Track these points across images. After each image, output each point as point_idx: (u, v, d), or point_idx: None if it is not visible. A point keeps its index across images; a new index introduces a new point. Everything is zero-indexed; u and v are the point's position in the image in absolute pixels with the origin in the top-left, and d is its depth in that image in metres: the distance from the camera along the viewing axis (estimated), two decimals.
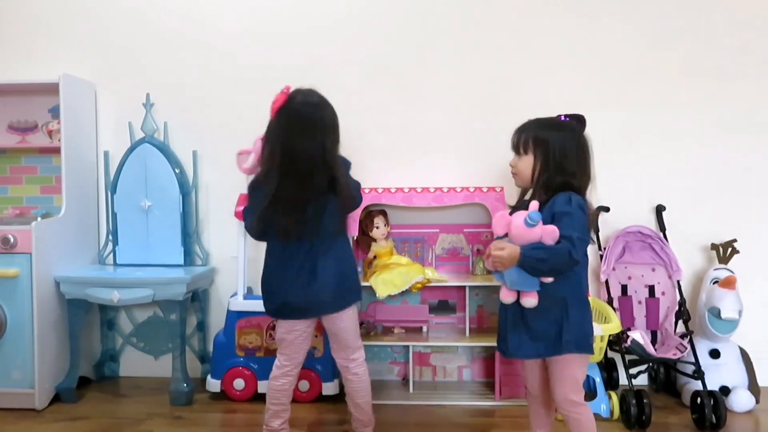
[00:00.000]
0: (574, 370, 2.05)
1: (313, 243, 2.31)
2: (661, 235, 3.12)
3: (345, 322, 2.42)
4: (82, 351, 3.15)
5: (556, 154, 2.04)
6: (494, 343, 2.95)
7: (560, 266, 1.96)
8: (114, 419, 2.87)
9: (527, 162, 2.08)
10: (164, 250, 3.25)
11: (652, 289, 3.12)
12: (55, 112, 3.30)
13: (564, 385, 2.05)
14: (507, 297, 2.04)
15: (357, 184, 2.47)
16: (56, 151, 3.17)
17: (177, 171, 3.24)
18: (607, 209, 3.07)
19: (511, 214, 2.04)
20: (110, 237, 3.32)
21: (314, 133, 2.26)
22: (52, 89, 3.09)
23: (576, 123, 2.12)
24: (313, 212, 2.28)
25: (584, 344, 2.05)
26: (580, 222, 1.97)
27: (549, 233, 1.91)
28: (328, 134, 2.31)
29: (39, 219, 2.99)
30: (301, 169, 2.25)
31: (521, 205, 2.13)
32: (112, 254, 3.32)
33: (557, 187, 2.02)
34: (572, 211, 1.97)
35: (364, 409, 2.49)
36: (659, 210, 3.18)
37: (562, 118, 2.14)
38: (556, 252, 1.92)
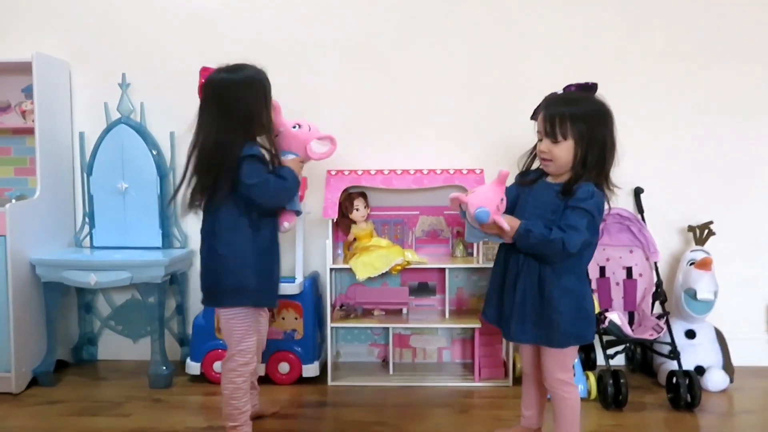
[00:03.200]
0: (565, 353, 2.08)
1: None
2: (639, 217, 3.15)
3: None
4: (60, 334, 3.13)
5: (597, 133, 1.98)
6: (474, 325, 3.00)
7: (550, 255, 1.96)
8: (92, 402, 2.85)
9: (566, 148, 1.98)
10: (142, 233, 3.22)
11: (629, 270, 3.15)
12: (28, 92, 3.23)
13: (554, 364, 2.09)
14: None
15: None
16: (30, 131, 3.12)
17: (154, 152, 3.20)
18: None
19: (519, 177, 2.14)
20: (87, 219, 3.27)
21: None
22: (25, 68, 3.02)
23: (593, 92, 2.07)
24: None
25: (583, 337, 2.06)
26: (592, 223, 1.95)
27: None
28: None
29: (13, 201, 2.94)
30: None
31: (535, 178, 2.11)
32: (88, 237, 3.28)
33: (600, 167, 1.99)
34: (588, 208, 1.94)
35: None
36: (637, 192, 3.20)
37: (572, 88, 2.10)
38: (551, 241, 1.92)
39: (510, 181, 2.12)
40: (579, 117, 1.98)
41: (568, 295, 2.01)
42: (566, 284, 2.01)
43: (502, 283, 2.11)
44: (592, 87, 2.10)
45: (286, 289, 2.92)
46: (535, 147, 2.15)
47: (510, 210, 2.10)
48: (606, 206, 2.04)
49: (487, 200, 1.93)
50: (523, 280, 2.04)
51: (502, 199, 1.97)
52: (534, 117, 2.15)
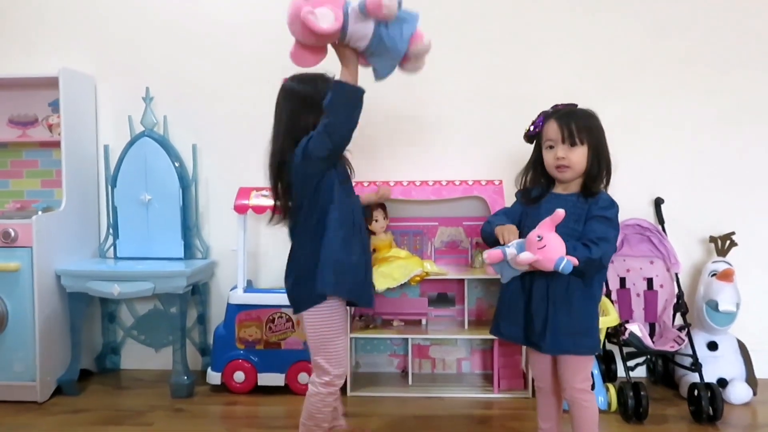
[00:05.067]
0: (585, 362, 2.11)
1: None
2: (660, 227, 3.13)
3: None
4: (84, 344, 3.17)
5: (602, 142, 2.07)
6: (493, 336, 2.98)
7: (591, 271, 2.00)
8: (115, 411, 2.89)
9: (581, 153, 2.04)
10: (164, 244, 3.26)
11: (650, 281, 3.13)
12: (55, 106, 3.30)
13: (575, 374, 2.10)
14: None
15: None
16: (56, 144, 3.18)
17: (177, 164, 3.25)
18: None
19: (522, 196, 2.15)
20: (111, 230, 3.33)
21: None
22: (51, 83, 3.09)
23: None
24: None
25: (599, 345, 2.14)
26: (615, 232, 2.01)
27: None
28: None
29: (40, 213, 3.00)
30: None
31: (539, 194, 2.14)
32: (112, 248, 3.33)
33: (601, 178, 2.06)
34: (612, 218, 2.01)
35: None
36: (658, 203, 3.19)
37: (560, 106, 2.15)
38: (593, 261, 1.94)
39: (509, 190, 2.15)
40: (589, 126, 2.07)
41: (593, 301, 2.08)
42: (592, 291, 2.08)
43: (528, 299, 2.10)
44: (574, 107, 2.15)
45: None
46: (528, 164, 2.21)
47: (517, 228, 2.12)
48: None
49: (561, 248, 1.87)
50: (553, 292, 2.04)
51: None
52: (528, 138, 2.20)
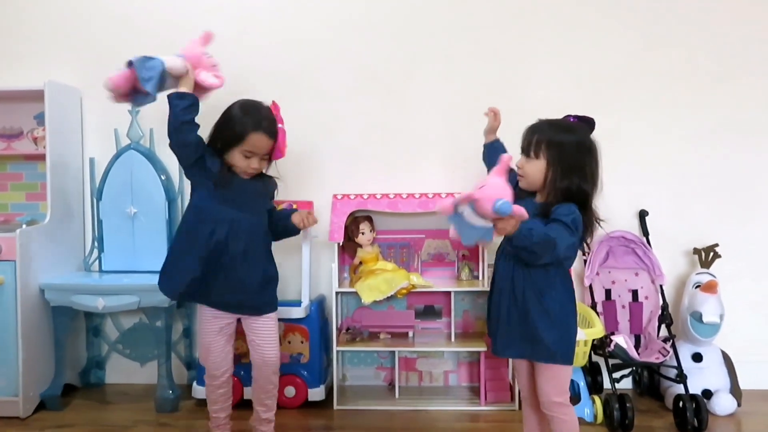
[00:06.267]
0: (558, 373, 2.08)
1: None
2: (645, 239, 3.15)
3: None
4: (68, 358, 3.15)
5: (570, 159, 2.01)
6: (480, 348, 3.00)
7: (541, 254, 1.93)
8: (99, 426, 2.86)
9: (537, 166, 2.04)
10: (150, 257, 3.23)
11: (635, 293, 3.15)
12: (40, 118, 3.29)
13: (550, 387, 2.09)
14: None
15: None
16: (42, 157, 3.16)
17: (163, 177, 3.24)
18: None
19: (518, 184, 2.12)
20: (96, 244, 3.31)
21: None
22: (37, 96, 3.08)
23: (586, 126, 2.12)
24: None
25: (570, 356, 2.08)
26: (571, 238, 1.95)
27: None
28: None
29: (24, 226, 2.97)
30: None
31: (523, 194, 2.13)
32: (97, 261, 3.31)
33: (570, 193, 2.01)
34: (570, 224, 1.95)
35: None
36: (642, 215, 3.21)
37: (571, 119, 2.14)
38: (549, 240, 1.89)
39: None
40: (555, 143, 2.03)
41: (547, 314, 2.03)
42: (547, 305, 2.04)
43: (491, 299, 2.18)
44: (589, 121, 2.14)
45: (292, 312, 2.94)
46: None
47: None
48: (590, 234, 2.07)
49: (502, 191, 1.78)
50: (507, 297, 2.09)
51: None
52: None
